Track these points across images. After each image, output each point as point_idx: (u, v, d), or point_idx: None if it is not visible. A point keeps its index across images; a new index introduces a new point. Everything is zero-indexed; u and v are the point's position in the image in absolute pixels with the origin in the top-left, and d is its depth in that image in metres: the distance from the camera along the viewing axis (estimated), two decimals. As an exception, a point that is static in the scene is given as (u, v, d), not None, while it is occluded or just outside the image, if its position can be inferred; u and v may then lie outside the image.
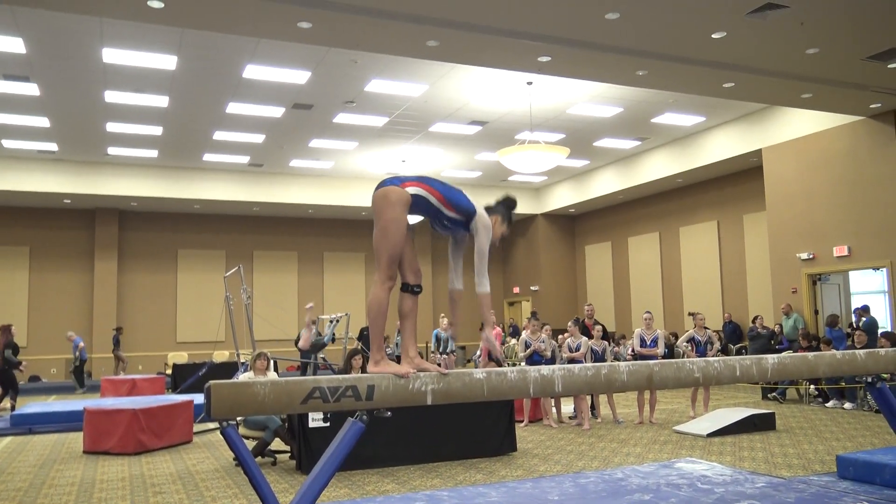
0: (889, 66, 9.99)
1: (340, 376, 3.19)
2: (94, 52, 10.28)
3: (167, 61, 10.65)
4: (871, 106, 11.84)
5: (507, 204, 3.75)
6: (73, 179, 16.60)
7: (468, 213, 3.51)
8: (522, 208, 21.19)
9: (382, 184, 3.38)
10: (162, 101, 12.42)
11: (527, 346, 9.59)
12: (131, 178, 17.03)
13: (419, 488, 5.87)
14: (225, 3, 7.62)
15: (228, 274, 13.04)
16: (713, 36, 8.88)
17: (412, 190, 3.35)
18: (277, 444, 7.48)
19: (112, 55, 10.35)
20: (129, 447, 7.91)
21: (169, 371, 16.07)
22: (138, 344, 18.80)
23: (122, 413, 8.00)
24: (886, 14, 8.38)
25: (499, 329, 11.80)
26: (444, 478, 6.32)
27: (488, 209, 3.67)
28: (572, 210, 20.92)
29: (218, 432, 9.28)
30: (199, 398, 9.43)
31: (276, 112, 13.22)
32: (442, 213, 3.46)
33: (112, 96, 12.12)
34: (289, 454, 7.39)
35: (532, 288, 21.61)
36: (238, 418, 6.24)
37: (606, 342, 10.10)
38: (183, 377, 14.03)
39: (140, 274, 19.28)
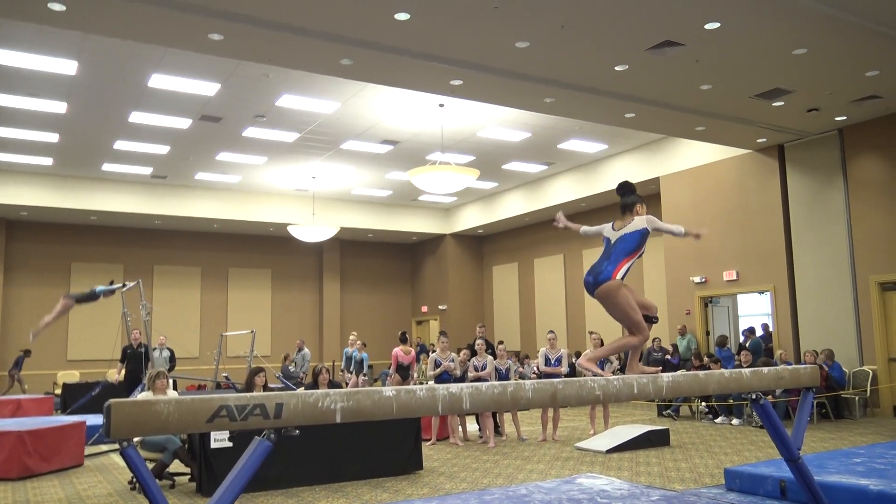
0: (774, 104, 10.76)
1: (248, 394, 3.15)
2: (-15, 53, 9.72)
3: (67, 66, 10.20)
4: (758, 140, 12.66)
5: (629, 188, 4.91)
6: (-44, 186, 15.55)
7: (642, 236, 4.49)
8: (431, 228, 21.40)
9: (597, 281, 4.31)
10: (60, 106, 11.85)
11: (436, 364, 9.67)
12: (22, 185, 16.08)
13: (324, 509, 5.80)
14: (132, 10, 7.40)
15: (127, 288, 12.51)
16: (616, 68, 9.33)
17: (621, 273, 4.28)
18: (176, 465, 7.23)
19: (5, 56, 9.82)
20: (13, 472, 7.44)
21: (58, 391, 15.21)
22: (25, 362, 17.65)
23: (6, 435, 7.52)
24: (772, 56, 9.05)
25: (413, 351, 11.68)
26: (349, 497, 6.28)
27: (627, 203, 4.74)
28: (481, 231, 21.27)
29: (111, 455, 8.87)
30: (91, 419, 8.99)
31: (183, 123, 12.85)
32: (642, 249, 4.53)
33: (3, 100, 11.48)
34: (188, 476, 7.15)
35: (440, 307, 21.76)
36: (135, 440, 6.00)
37: (510, 361, 10.26)
38: (74, 397, 13.31)
39: (28, 288, 18.15)
